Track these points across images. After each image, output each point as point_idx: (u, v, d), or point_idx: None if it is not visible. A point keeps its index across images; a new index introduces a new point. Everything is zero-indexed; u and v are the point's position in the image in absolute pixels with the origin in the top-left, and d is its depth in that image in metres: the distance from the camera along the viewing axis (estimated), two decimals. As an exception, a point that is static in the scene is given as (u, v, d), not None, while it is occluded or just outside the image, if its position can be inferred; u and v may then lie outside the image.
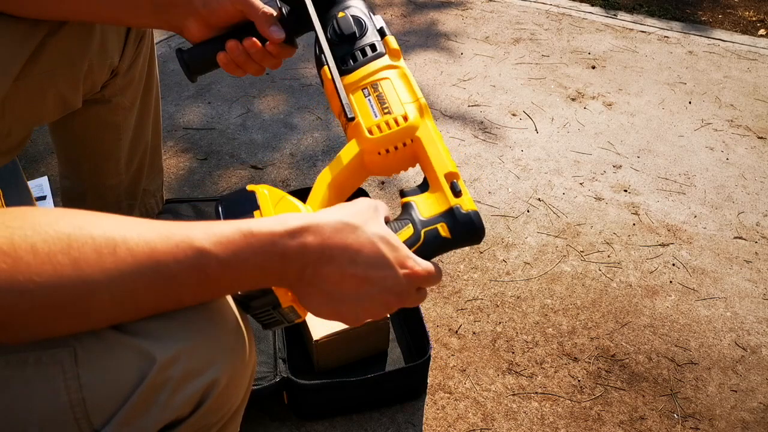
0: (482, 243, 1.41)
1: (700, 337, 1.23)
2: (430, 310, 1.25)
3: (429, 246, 0.61)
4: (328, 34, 0.71)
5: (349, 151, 0.66)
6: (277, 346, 1.05)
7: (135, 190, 1.18)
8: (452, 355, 1.16)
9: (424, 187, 0.65)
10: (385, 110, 0.66)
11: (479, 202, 1.54)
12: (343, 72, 0.70)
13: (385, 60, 0.70)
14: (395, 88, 0.68)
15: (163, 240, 0.45)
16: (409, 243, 0.60)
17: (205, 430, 0.55)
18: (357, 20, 0.71)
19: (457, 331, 1.21)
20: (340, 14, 0.71)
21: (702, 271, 1.38)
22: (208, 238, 0.46)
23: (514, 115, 1.89)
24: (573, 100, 1.98)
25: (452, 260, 1.36)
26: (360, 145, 0.66)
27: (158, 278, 0.45)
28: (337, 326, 1.02)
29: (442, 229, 0.61)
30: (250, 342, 0.56)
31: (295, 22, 0.78)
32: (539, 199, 1.56)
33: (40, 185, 1.42)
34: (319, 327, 1.02)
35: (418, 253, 0.59)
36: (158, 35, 2.28)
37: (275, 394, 1.01)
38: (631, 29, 2.44)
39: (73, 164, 1.14)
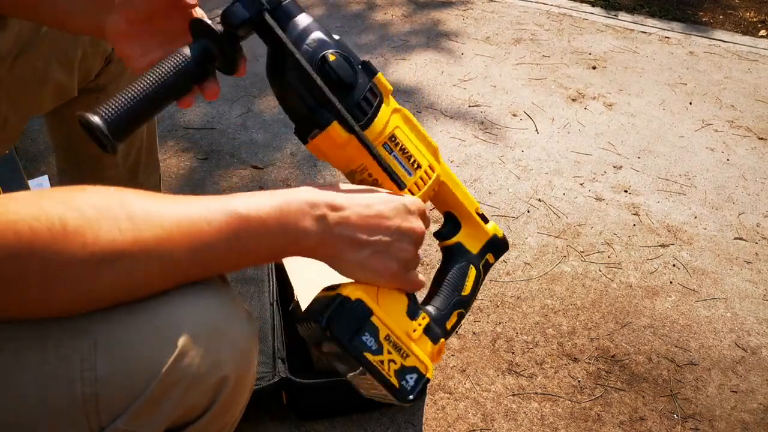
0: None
1: (700, 337, 1.22)
2: (430, 310, 1.25)
3: (484, 276, 0.67)
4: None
5: None
6: (276, 346, 1.05)
7: (132, 185, 1.18)
8: (452, 355, 1.16)
9: (456, 225, 0.68)
10: (414, 165, 0.62)
11: (480, 202, 1.54)
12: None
13: (388, 104, 0.61)
14: (408, 137, 0.62)
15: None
16: (477, 282, 0.66)
17: None
18: (347, 60, 0.58)
19: (457, 331, 1.21)
20: (331, 56, 0.57)
21: (702, 271, 1.38)
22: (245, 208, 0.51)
23: (514, 115, 1.89)
24: (573, 100, 1.98)
25: (452, 260, 1.37)
26: None
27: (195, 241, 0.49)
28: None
29: (490, 258, 0.68)
30: (256, 349, 0.56)
31: (225, 54, 0.58)
32: (539, 200, 1.56)
33: (40, 184, 1.42)
34: (319, 327, 1.02)
35: (477, 284, 0.66)
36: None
37: (275, 394, 1.01)
38: (632, 30, 2.44)
39: (71, 156, 1.15)
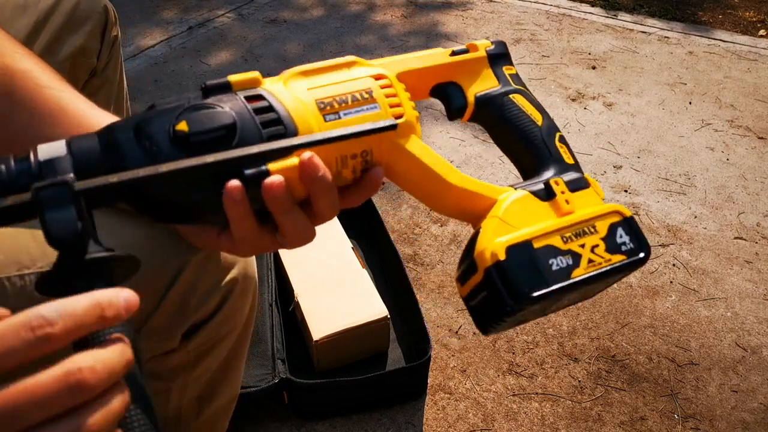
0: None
1: (700, 337, 1.22)
2: (430, 310, 1.25)
3: (526, 87, 0.59)
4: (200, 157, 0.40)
5: (419, 147, 0.49)
6: (275, 347, 1.05)
7: None
8: (452, 355, 1.16)
9: (453, 87, 0.57)
10: (366, 96, 0.47)
11: (479, 202, 1.54)
12: (281, 149, 0.42)
13: (278, 89, 0.45)
14: (329, 85, 0.47)
15: None
16: (531, 99, 0.58)
17: (218, 341, 0.63)
18: (200, 107, 0.42)
19: (457, 332, 1.21)
20: (181, 127, 0.40)
21: (702, 271, 1.38)
22: None
23: (514, 115, 1.89)
24: (573, 100, 1.98)
25: (452, 261, 1.36)
26: (412, 131, 0.49)
27: None
28: (337, 326, 1.02)
29: (510, 69, 0.58)
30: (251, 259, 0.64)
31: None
32: (539, 200, 1.56)
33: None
34: (319, 327, 1.02)
35: (533, 100, 0.57)
36: (158, 35, 2.28)
37: (275, 394, 1.01)
38: (632, 29, 2.44)
39: None
